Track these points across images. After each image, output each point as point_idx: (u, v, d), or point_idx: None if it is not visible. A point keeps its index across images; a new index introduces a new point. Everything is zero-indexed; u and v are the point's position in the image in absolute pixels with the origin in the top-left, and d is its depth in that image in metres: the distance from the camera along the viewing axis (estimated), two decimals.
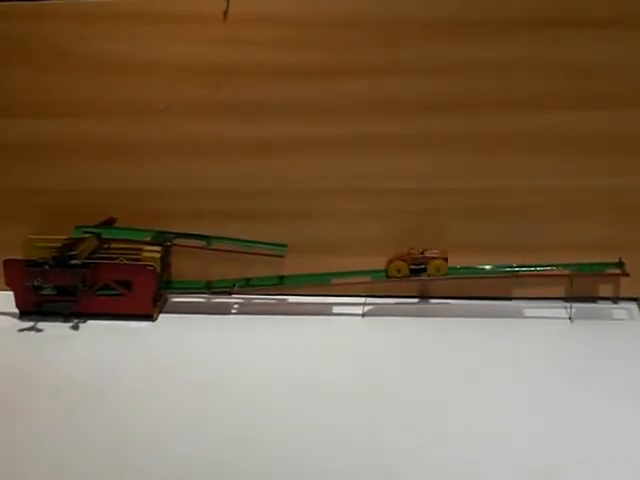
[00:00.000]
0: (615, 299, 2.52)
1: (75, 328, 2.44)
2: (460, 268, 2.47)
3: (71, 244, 2.44)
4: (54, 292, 2.44)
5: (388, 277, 2.44)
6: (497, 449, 1.84)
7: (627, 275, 2.42)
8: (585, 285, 2.50)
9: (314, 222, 2.55)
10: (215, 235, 2.53)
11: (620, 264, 2.42)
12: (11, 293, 2.50)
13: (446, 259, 2.42)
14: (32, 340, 2.39)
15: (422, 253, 2.43)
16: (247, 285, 2.54)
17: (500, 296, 2.53)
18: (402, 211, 2.52)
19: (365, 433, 1.92)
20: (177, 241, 2.56)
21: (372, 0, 2.39)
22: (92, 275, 2.44)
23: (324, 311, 2.53)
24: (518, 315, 2.47)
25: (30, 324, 2.45)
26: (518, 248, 2.49)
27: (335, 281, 2.51)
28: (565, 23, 2.34)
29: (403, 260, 2.43)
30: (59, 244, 2.45)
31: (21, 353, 2.33)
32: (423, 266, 2.42)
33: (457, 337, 2.36)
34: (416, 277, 2.44)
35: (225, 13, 2.43)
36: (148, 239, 2.53)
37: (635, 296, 2.52)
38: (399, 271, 2.43)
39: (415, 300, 2.56)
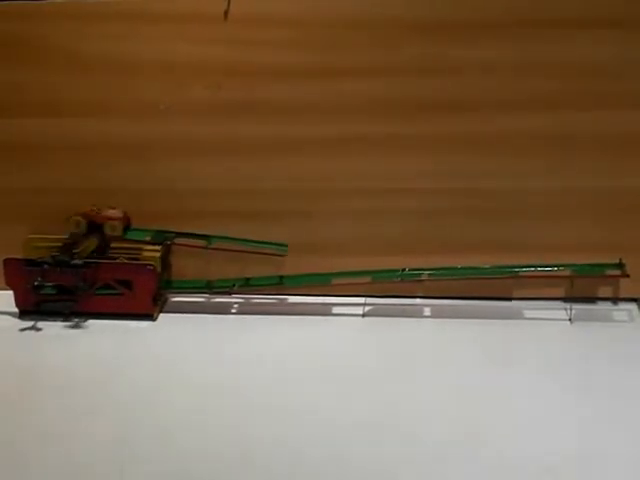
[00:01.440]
0: (615, 300, 2.52)
1: (75, 327, 2.45)
2: (460, 268, 2.48)
3: (71, 243, 2.44)
4: (54, 291, 2.44)
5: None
6: (496, 449, 1.84)
7: (627, 276, 2.42)
8: (585, 286, 2.50)
9: (314, 222, 2.55)
10: (215, 235, 2.53)
11: (620, 265, 2.42)
12: (11, 293, 2.50)
13: (124, 220, 2.49)
14: (32, 339, 2.40)
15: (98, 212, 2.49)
16: (247, 285, 2.54)
17: (500, 296, 2.53)
18: (402, 211, 2.52)
19: (365, 432, 1.92)
20: (177, 240, 2.56)
21: (372, 0, 2.39)
22: (92, 274, 2.44)
23: (324, 311, 2.53)
24: (518, 316, 2.47)
25: (30, 323, 2.46)
26: (518, 248, 2.49)
27: (335, 281, 2.51)
28: (565, 23, 2.34)
29: (83, 216, 2.48)
30: (59, 244, 2.45)
31: (21, 353, 2.34)
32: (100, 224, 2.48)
33: (457, 337, 2.36)
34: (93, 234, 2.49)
35: (226, 13, 2.43)
36: (148, 238, 2.54)
37: (635, 297, 2.52)
38: (78, 225, 2.47)
39: (415, 300, 2.56)
